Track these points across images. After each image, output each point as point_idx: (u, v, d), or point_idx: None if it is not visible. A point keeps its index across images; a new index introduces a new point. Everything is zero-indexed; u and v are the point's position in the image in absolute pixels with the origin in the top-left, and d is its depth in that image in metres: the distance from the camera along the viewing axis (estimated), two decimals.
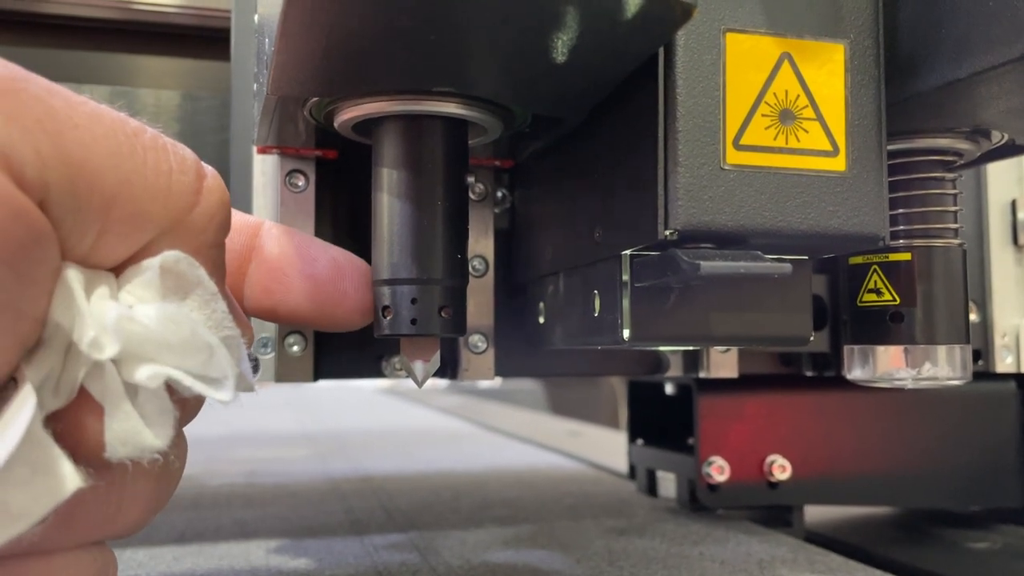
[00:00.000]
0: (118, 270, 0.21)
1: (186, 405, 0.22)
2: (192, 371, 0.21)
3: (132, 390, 0.21)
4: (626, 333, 0.30)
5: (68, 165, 0.18)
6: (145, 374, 0.20)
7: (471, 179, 0.39)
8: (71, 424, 0.20)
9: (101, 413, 0.20)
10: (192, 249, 0.21)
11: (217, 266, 0.23)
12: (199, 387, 0.21)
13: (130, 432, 0.21)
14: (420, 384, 0.32)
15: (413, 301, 0.30)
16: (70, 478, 0.19)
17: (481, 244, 0.40)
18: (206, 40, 0.49)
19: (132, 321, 0.20)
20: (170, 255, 0.21)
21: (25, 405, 0.19)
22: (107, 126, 0.19)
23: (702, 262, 0.26)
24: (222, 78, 0.48)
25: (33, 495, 0.19)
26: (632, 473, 0.63)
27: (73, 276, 0.20)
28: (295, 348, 0.38)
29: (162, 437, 0.21)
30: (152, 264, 0.21)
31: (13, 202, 0.17)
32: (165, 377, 0.21)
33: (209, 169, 0.22)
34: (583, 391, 1.94)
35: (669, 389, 0.58)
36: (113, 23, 0.50)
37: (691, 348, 0.45)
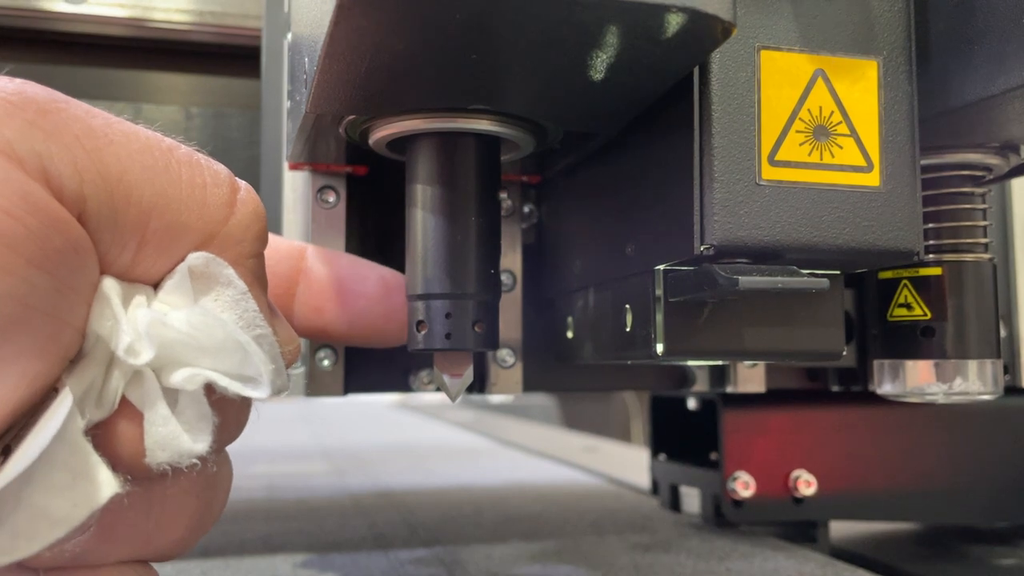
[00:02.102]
0: (159, 287, 0.22)
1: (226, 414, 0.22)
2: (228, 372, 0.21)
3: (171, 396, 0.21)
4: (660, 348, 0.30)
5: (105, 179, 0.19)
6: (181, 377, 0.21)
7: (502, 195, 0.39)
8: (111, 432, 0.21)
9: (140, 420, 0.21)
10: (230, 260, 0.22)
11: (257, 276, 0.23)
12: (236, 387, 0.21)
13: (169, 437, 0.21)
14: (453, 399, 0.32)
15: (447, 316, 0.30)
16: (108, 484, 0.20)
17: (509, 259, 0.40)
18: (224, 57, 0.50)
19: (165, 326, 0.21)
20: (196, 256, 0.21)
21: (60, 407, 0.19)
22: (142, 143, 0.20)
23: (740, 277, 0.26)
24: (244, 95, 0.49)
25: (72, 500, 0.19)
26: (655, 488, 0.62)
27: (110, 286, 0.20)
28: (325, 363, 0.38)
29: (201, 442, 0.21)
30: (181, 268, 0.21)
31: (51, 212, 0.18)
32: (203, 380, 0.21)
33: (242, 182, 0.23)
34: (596, 406, 1.93)
35: (692, 404, 0.58)
36: (130, 41, 0.51)
37: (721, 363, 0.45)
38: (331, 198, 0.38)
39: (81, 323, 0.20)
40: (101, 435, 0.21)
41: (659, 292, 0.30)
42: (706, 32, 0.23)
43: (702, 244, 0.27)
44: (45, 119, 0.19)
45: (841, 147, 0.28)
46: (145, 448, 0.21)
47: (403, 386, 0.41)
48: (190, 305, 0.21)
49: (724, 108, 0.27)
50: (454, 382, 0.31)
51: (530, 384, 0.41)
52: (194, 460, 0.21)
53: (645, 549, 0.47)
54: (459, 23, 0.21)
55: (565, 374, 0.43)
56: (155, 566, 0.24)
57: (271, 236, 0.28)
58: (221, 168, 0.22)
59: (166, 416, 0.21)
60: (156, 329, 0.20)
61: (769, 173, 0.27)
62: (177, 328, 0.21)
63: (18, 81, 0.19)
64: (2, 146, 0.18)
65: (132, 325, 0.20)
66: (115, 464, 0.20)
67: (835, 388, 0.48)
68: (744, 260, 0.28)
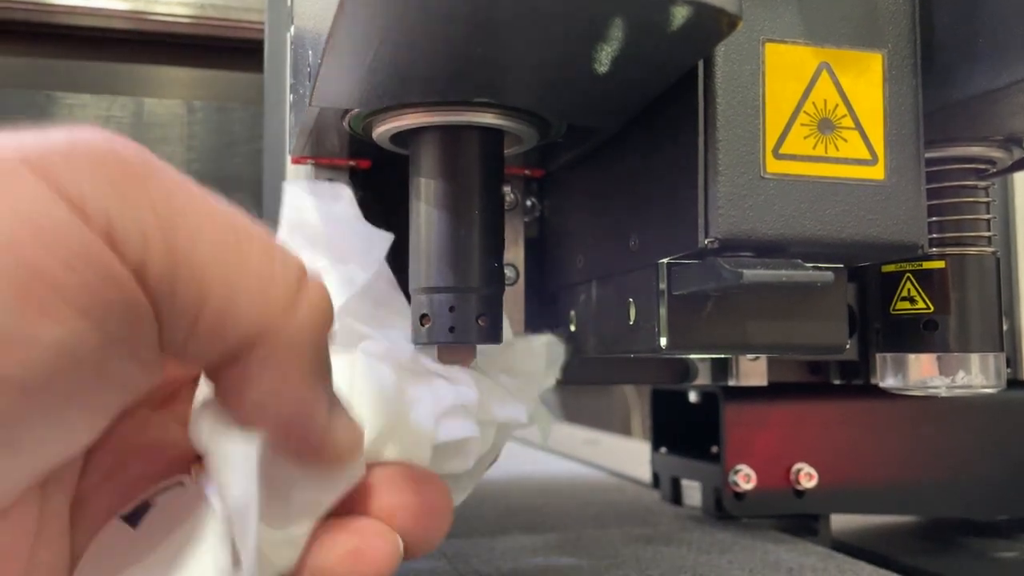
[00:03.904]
0: (216, 376, 0.21)
1: None
2: None
3: None
4: (663, 341, 0.30)
5: (171, 253, 0.19)
6: None
7: (506, 188, 0.39)
8: None
9: None
10: (281, 361, 0.20)
11: (307, 373, 0.21)
12: None
13: None
14: None
15: (451, 309, 0.30)
16: None
17: (511, 253, 0.40)
18: (226, 51, 0.50)
19: None
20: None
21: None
22: (219, 223, 0.20)
23: (744, 270, 0.26)
24: (247, 88, 0.49)
25: None
26: (656, 481, 0.63)
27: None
28: None
29: None
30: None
31: (108, 268, 0.18)
32: None
33: (314, 281, 0.21)
34: (596, 399, 1.94)
35: (693, 397, 0.58)
36: (132, 34, 0.50)
37: (724, 356, 0.45)
38: None
39: (132, 384, 0.19)
40: None
41: (663, 285, 0.30)
42: (712, 25, 0.23)
43: (706, 237, 0.27)
44: (126, 181, 0.18)
45: (846, 140, 0.28)
46: None
47: None
48: None
49: (729, 101, 0.27)
50: None
51: None
52: None
53: (647, 542, 0.48)
54: (464, 16, 0.21)
55: (567, 367, 0.43)
56: None
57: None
58: (294, 262, 0.21)
59: None
60: None
61: (773, 166, 0.27)
62: None
63: (112, 135, 0.19)
64: (75, 197, 0.18)
65: None
66: None
67: (837, 381, 0.48)
68: (748, 253, 0.28)
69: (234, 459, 0.21)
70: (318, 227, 0.28)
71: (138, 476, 0.22)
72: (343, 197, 0.29)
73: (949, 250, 0.35)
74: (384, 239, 0.29)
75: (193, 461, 0.25)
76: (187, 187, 0.19)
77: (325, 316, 0.21)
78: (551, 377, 0.33)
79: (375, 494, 0.24)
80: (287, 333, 0.20)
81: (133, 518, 0.23)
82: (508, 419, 0.30)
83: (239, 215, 0.20)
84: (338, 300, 0.26)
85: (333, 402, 0.23)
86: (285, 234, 0.28)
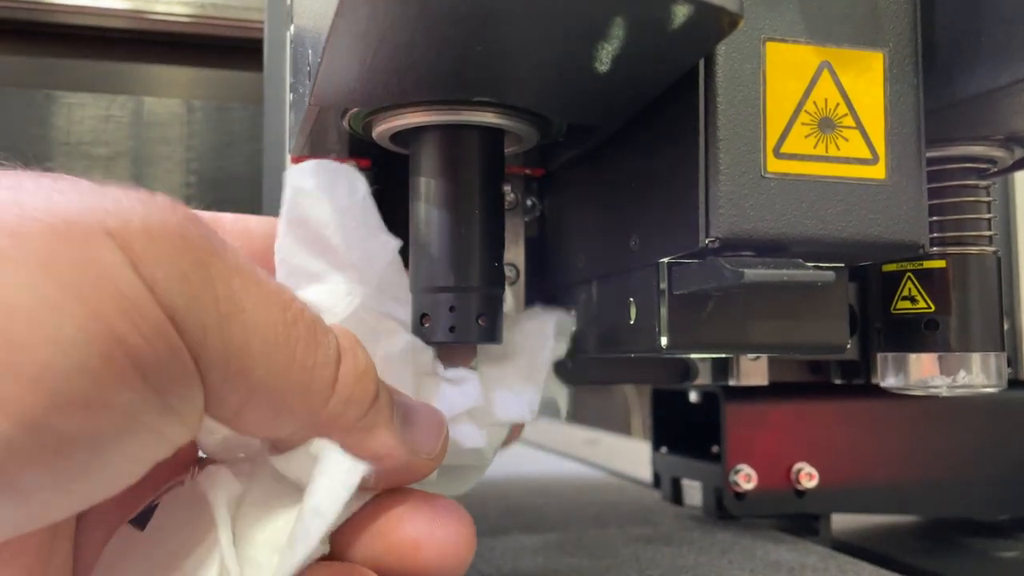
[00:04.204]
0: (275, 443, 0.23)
1: None
2: None
3: None
4: (664, 341, 0.30)
5: (226, 346, 0.20)
6: None
7: (506, 187, 0.39)
8: None
9: None
10: (336, 438, 0.22)
11: (355, 431, 0.23)
12: None
13: None
14: None
15: (451, 309, 0.30)
16: None
17: (512, 252, 0.40)
18: (226, 50, 0.50)
19: None
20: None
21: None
22: (271, 315, 0.21)
23: (745, 270, 0.26)
24: (247, 88, 0.49)
25: None
26: (656, 481, 0.62)
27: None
28: None
29: None
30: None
31: (174, 345, 0.19)
32: None
33: (348, 351, 0.23)
34: (596, 398, 1.93)
35: (693, 397, 0.58)
36: (132, 33, 0.50)
37: (725, 356, 0.45)
38: None
39: (176, 440, 0.20)
40: None
41: (663, 285, 0.30)
42: (713, 24, 0.23)
43: (707, 237, 0.26)
44: (197, 271, 0.19)
45: (847, 139, 0.28)
46: None
47: None
48: None
49: (729, 100, 0.26)
50: None
51: None
52: None
53: (647, 542, 0.48)
54: (464, 14, 0.21)
55: (568, 367, 0.43)
56: None
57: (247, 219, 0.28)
58: (331, 340, 0.22)
59: None
60: None
61: (774, 166, 0.27)
62: None
63: (180, 214, 0.20)
64: (148, 277, 0.18)
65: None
66: None
67: (837, 381, 0.48)
68: (749, 253, 0.28)
69: (333, 475, 0.22)
70: (321, 225, 0.27)
71: (141, 481, 0.23)
72: (358, 191, 0.28)
73: (950, 250, 0.35)
74: (389, 247, 0.28)
75: (193, 462, 0.25)
76: (243, 269, 0.21)
77: (364, 389, 0.23)
78: (561, 349, 0.34)
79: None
80: (328, 417, 0.22)
81: (141, 520, 0.23)
82: (512, 419, 0.30)
83: (285, 293, 0.21)
84: (337, 313, 0.26)
85: (407, 411, 0.24)
86: (282, 233, 0.27)
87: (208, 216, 0.27)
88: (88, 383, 0.17)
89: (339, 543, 0.24)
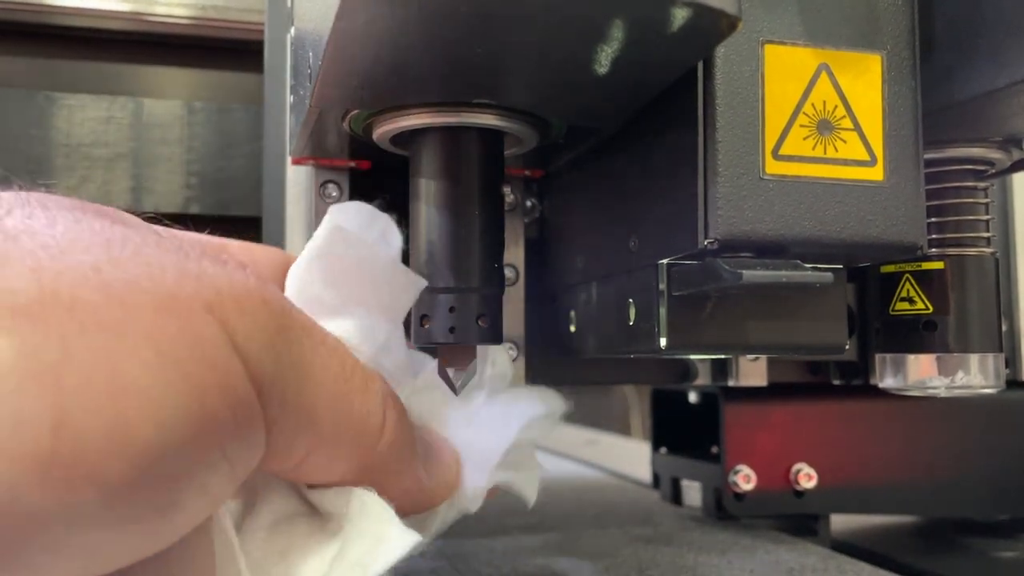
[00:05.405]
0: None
1: None
2: None
3: None
4: (663, 341, 0.30)
5: (296, 410, 0.20)
6: None
7: (506, 189, 0.39)
8: None
9: None
10: (377, 484, 0.23)
11: (393, 472, 0.24)
12: None
13: None
14: (457, 393, 0.32)
15: (451, 310, 0.30)
16: None
17: (511, 253, 0.40)
18: (226, 51, 0.50)
19: None
20: None
21: None
22: (334, 376, 0.22)
23: (744, 271, 0.26)
24: (247, 89, 0.49)
25: None
26: (656, 482, 0.63)
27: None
28: None
29: None
30: None
31: (254, 415, 0.19)
32: None
33: (389, 395, 0.24)
34: (596, 399, 1.93)
35: (693, 397, 0.58)
36: (132, 35, 0.50)
37: (724, 356, 0.45)
38: (334, 192, 0.38)
39: (225, 497, 0.21)
40: None
41: (663, 286, 0.30)
42: (711, 26, 0.23)
43: (706, 238, 0.27)
44: (280, 338, 0.20)
45: (845, 141, 0.28)
46: None
47: None
48: None
49: (728, 102, 0.27)
50: (458, 376, 0.31)
51: (532, 378, 0.41)
52: None
53: (647, 542, 0.48)
54: (464, 17, 0.21)
55: (567, 368, 0.43)
56: None
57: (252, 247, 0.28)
58: (378, 387, 0.23)
59: None
60: None
61: (773, 167, 0.27)
62: None
63: (255, 277, 0.20)
64: (243, 352, 0.18)
65: None
66: None
67: (836, 382, 0.48)
68: (748, 254, 0.28)
69: (379, 537, 0.22)
70: (348, 265, 0.26)
71: None
72: (392, 245, 0.27)
73: (948, 251, 0.35)
74: (415, 286, 0.28)
75: None
76: (309, 327, 0.21)
77: (404, 427, 0.24)
78: (545, 429, 0.33)
79: None
80: (376, 462, 0.23)
81: None
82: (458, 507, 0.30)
83: (341, 346, 0.22)
84: (363, 352, 0.26)
85: (429, 449, 0.26)
86: (305, 261, 0.26)
87: (216, 242, 0.27)
88: (179, 462, 0.17)
89: None
